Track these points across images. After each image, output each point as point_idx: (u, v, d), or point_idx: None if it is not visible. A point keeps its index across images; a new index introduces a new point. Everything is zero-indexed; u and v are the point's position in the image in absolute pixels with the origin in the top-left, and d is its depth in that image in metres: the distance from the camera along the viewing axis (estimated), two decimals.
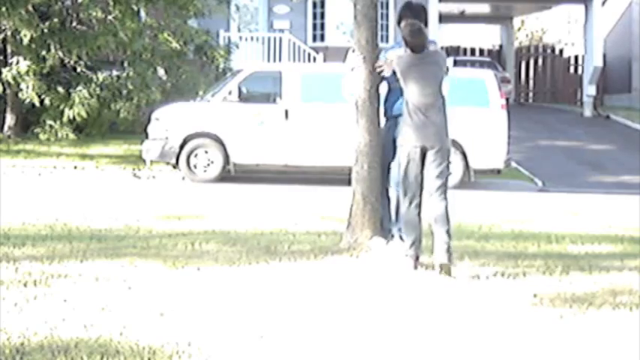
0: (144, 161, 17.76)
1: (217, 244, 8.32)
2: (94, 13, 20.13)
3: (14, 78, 19.83)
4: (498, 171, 17.45)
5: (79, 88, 20.15)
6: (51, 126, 20.24)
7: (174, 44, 21.03)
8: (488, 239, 9.10)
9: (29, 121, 21.47)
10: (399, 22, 7.74)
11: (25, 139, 21.28)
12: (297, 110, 16.86)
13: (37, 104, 20.13)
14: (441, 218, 7.15)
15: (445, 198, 7.21)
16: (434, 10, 28.88)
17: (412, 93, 7.23)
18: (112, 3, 20.01)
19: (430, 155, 7.20)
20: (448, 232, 7.15)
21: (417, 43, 7.32)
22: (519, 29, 44.88)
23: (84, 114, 19.98)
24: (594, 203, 14.67)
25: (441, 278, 7.01)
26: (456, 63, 27.95)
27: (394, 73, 7.42)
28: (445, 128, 7.28)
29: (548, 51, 40.08)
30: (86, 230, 9.34)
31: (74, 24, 20.73)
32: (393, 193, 7.73)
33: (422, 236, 7.31)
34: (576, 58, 37.57)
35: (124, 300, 5.97)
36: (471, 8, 35.98)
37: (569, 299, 6.38)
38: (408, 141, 7.25)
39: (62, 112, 20.04)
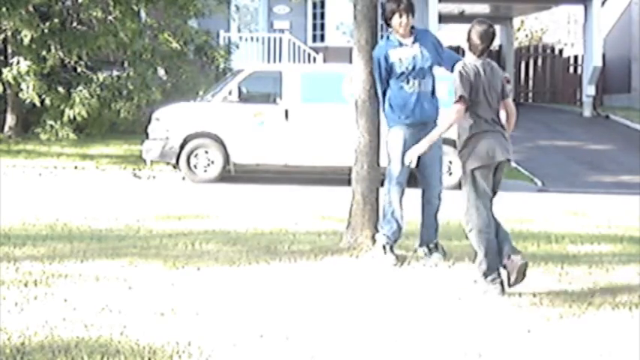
0: (144, 161, 17.76)
1: (217, 244, 8.33)
2: (95, 14, 20.15)
3: (15, 78, 19.84)
4: None
5: (80, 88, 20.17)
6: (51, 126, 20.25)
7: (175, 44, 21.06)
8: None
9: (30, 121, 21.49)
10: (390, 17, 7.52)
11: (25, 139, 21.30)
12: (297, 110, 16.86)
13: (38, 104, 20.15)
14: (503, 230, 6.65)
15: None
16: (434, 10, 28.89)
17: (485, 104, 6.44)
18: (112, 3, 20.02)
19: (498, 169, 6.52)
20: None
21: (487, 47, 6.55)
22: (519, 29, 44.88)
23: (84, 114, 20.00)
24: (594, 203, 14.67)
25: (440, 278, 7.01)
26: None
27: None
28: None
29: (548, 51, 40.07)
30: (86, 230, 9.35)
31: (74, 24, 20.75)
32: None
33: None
34: (576, 58, 37.56)
35: (124, 300, 5.98)
36: (470, 8, 35.97)
37: (569, 299, 6.39)
38: (486, 159, 6.40)
39: (63, 112, 20.06)
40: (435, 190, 7.64)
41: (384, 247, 7.49)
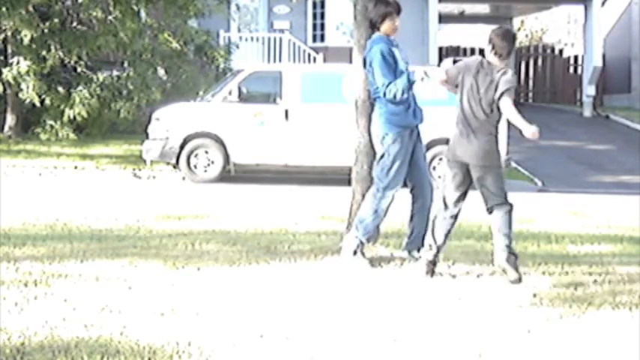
0: (144, 161, 17.76)
1: (217, 244, 8.33)
2: (95, 14, 20.14)
3: (15, 78, 19.83)
4: None
5: (80, 88, 20.17)
6: (51, 126, 20.25)
7: (175, 44, 21.06)
8: (488, 239, 9.06)
9: (30, 121, 21.48)
10: (381, 20, 7.45)
11: (25, 139, 21.29)
12: (297, 110, 16.86)
13: (38, 104, 20.14)
14: (502, 231, 6.86)
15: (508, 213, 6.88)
16: (434, 10, 28.90)
17: (471, 102, 6.81)
18: (112, 3, 20.01)
19: (474, 173, 6.85)
20: (509, 245, 6.84)
21: (510, 49, 6.84)
22: (519, 29, 44.85)
23: (84, 114, 20.00)
24: (594, 203, 14.67)
25: (439, 278, 7.02)
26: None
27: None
28: (491, 149, 6.84)
29: (548, 51, 40.07)
30: (86, 230, 9.35)
31: (74, 24, 20.75)
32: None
33: (443, 247, 7.06)
34: (576, 58, 37.58)
35: (124, 300, 5.98)
36: (470, 8, 35.97)
37: (569, 299, 6.39)
38: (448, 153, 6.94)
39: (62, 112, 20.06)
40: (427, 188, 7.62)
41: (355, 252, 7.45)
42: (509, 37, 6.86)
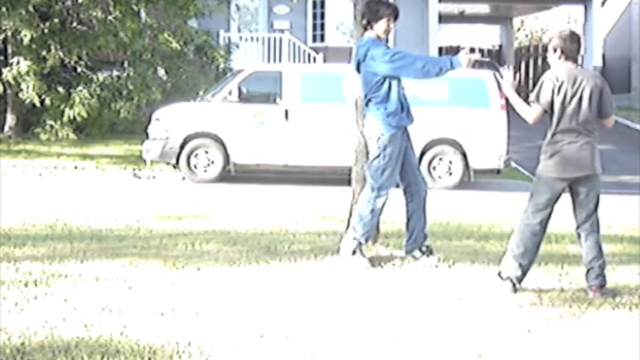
0: (144, 161, 17.76)
1: (217, 244, 8.33)
2: (95, 14, 20.14)
3: (15, 78, 19.83)
4: (498, 171, 17.47)
5: (80, 88, 20.16)
6: (51, 126, 20.24)
7: (175, 44, 21.06)
8: (488, 239, 9.10)
9: (30, 121, 21.47)
10: (378, 19, 7.37)
11: (25, 139, 21.29)
12: (297, 110, 16.86)
13: (38, 104, 20.14)
14: (594, 251, 6.59)
15: (597, 229, 6.69)
16: (434, 10, 28.92)
17: (570, 114, 6.46)
18: (112, 3, 20.01)
19: (580, 185, 6.63)
20: (603, 264, 6.57)
21: (579, 49, 6.57)
22: (519, 29, 44.91)
23: (84, 114, 19.99)
24: None
25: (440, 278, 7.01)
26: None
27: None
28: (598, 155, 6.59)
29: None
30: (86, 230, 9.35)
31: (74, 24, 20.74)
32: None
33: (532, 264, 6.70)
34: None
35: (124, 300, 5.98)
36: (470, 8, 35.99)
37: (569, 299, 6.39)
38: (552, 172, 6.61)
39: (62, 112, 20.05)
40: (421, 186, 7.61)
41: (354, 252, 7.44)
42: (576, 38, 6.58)
